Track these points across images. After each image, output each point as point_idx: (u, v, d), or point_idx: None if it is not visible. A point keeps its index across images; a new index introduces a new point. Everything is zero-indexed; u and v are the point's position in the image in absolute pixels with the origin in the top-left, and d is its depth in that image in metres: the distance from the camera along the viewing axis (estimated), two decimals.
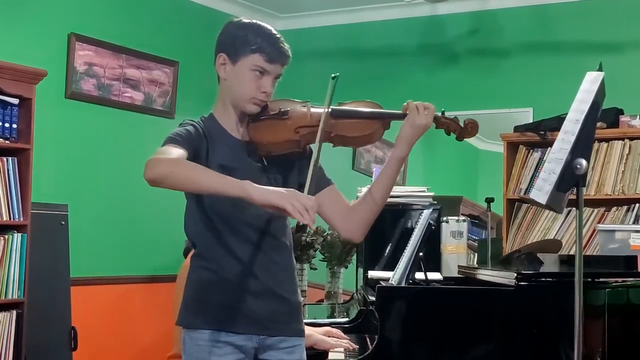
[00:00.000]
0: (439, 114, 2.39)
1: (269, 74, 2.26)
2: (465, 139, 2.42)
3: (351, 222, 2.36)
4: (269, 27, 2.29)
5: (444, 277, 3.29)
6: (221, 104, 2.33)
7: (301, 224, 2.03)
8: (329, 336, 3.06)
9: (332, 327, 3.19)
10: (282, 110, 2.31)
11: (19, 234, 3.71)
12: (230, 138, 2.30)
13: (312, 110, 2.33)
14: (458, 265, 3.47)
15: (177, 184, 2.06)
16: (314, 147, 2.25)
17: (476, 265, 3.72)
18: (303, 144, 2.31)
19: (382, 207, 2.36)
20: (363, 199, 2.36)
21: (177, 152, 2.10)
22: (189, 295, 2.29)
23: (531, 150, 4.67)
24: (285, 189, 2.04)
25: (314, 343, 2.95)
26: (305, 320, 2.45)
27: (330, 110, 2.30)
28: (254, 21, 2.31)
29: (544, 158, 4.55)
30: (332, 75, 2.25)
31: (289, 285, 2.32)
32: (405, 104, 2.32)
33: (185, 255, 3.56)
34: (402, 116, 2.32)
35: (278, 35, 2.28)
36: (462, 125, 2.40)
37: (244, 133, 2.31)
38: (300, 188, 2.28)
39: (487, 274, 2.92)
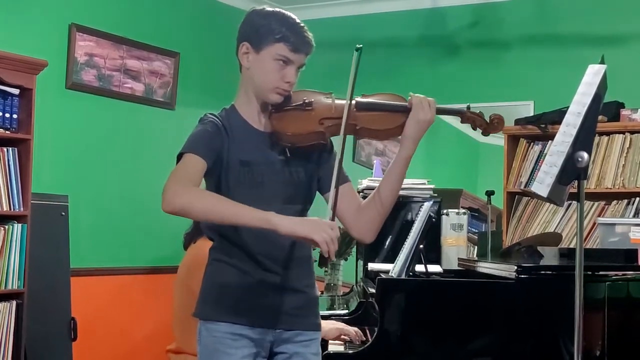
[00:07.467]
0: (465, 108, 2.38)
1: (293, 64, 2.23)
2: (490, 134, 2.38)
3: (361, 223, 2.34)
4: (292, 15, 2.27)
5: (444, 270, 3.29)
6: (243, 93, 2.30)
7: (326, 255, 2.04)
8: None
9: (332, 319, 3.20)
10: (307, 101, 2.27)
11: (19, 225, 3.70)
12: (252, 130, 2.27)
13: (337, 102, 2.29)
14: (458, 258, 3.47)
15: (198, 216, 2.13)
16: (337, 147, 2.21)
17: (476, 258, 3.72)
18: (328, 136, 2.28)
19: (391, 208, 2.32)
20: (371, 200, 2.33)
21: (195, 169, 2.11)
22: (206, 287, 2.29)
23: (532, 144, 4.66)
24: (308, 218, 2.07)
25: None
26: None
27: (355, 102, 2.27)
28: (278, 9, 2.28)
29: (545, 151, 4.55)
30: (357, 46, 2.20)
31: (307, 279, 2.31)
32: (409, 97, 2.29)
33: (186, 247, 3.56)
34: (406, 109, 2.28)
35: (302, 24, 2.25)
36: (488, 121, 2.38)
37: (267, 124, 2.28)
38: (320, 182, 2.32)
39: (487, 267, 2.92)
